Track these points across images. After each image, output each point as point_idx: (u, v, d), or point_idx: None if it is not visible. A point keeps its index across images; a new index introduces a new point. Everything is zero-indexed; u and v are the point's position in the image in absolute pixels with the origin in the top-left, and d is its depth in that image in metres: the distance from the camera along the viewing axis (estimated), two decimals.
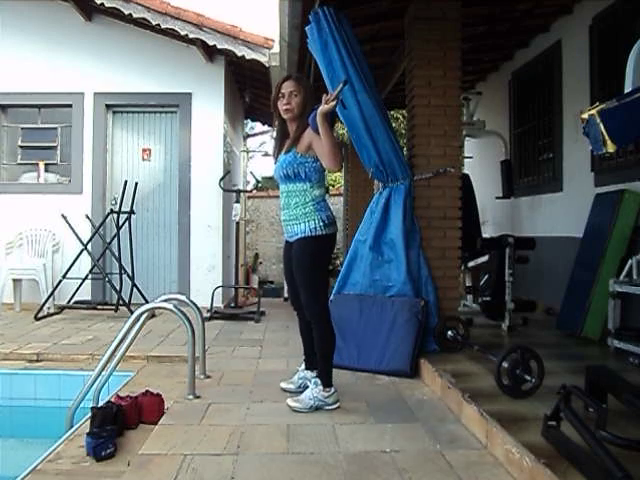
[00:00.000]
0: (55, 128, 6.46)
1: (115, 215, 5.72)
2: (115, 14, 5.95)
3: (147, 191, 6.41)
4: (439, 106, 3.88)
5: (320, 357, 2.90)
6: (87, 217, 6.09)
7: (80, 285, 5.58)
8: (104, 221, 5.85)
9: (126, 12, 5.72)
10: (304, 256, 2.87)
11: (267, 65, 5.89)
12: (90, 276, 5.73)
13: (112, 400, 2.62)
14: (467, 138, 6.63)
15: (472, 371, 3.18)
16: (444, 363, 3.30)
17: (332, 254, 3.04)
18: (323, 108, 2.66)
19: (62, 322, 5.22)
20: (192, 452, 2.29)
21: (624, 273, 3.76)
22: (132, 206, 5.71)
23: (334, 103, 2.65)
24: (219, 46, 5.78)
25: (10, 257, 5.97)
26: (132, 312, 3.13)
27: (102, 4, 5.72)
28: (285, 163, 2.88)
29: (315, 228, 2.82)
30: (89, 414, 2.45)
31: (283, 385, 3.16)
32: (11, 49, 6.26)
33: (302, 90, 2.89)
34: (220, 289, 6.13)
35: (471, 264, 5.12)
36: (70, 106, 6.33)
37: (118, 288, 5.51)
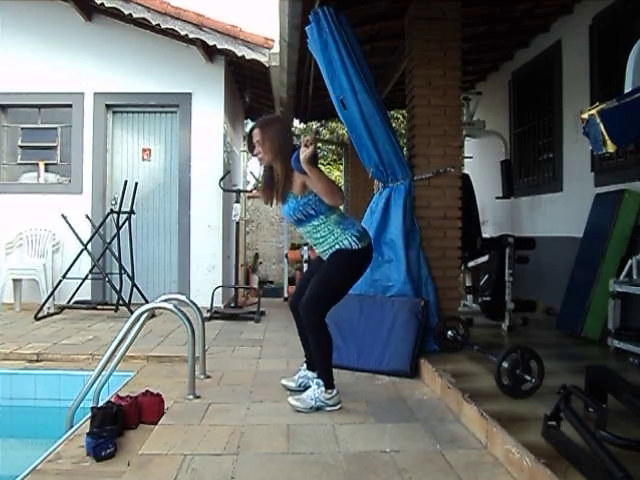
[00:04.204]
0: (55, 128, 6.46)
1: (115, 215, 5.72)
2: (115, 14, 5.95)
3: (147, 191, 6.40)
4: (439, 106, 3.88)
5: (317, 360, 2.91)
6: (87, 217, 6.08)
7: (80, 285, 5.58)
8: (104, 221, 5.85)
9: (126, 12, 5.72)
10: (335, 261, 2.82)
11: (267, 65, 5.89)
12: (90, 276, 5.73)
13: (112, 400, 2.61)
14: (467, 138, 6.63)
15: (472, 371, 3.18)
16: (444, 363, 3.30)
17: (365, 270, 2.94)
18: (305, 155, 2.59)
19: (62, 322, 5.22)
20: (192, 452, 2.29)
21: (624, 273, 3.76)
22: (132, 206, 5.71)
23: (311, 148, 2.58)
24: (219, 46, 5.78)
25: (10, 257, 5.97)
26: (132, 312, 3.13)
27: (102, 4, 5.72)
28: (291, 211, 2.84)
29: (350, 244, 2.78)
30: (89, 414, 2.44)
31: (284, 382, 3.17)
32: (11, 49, 6.26)
33: (268, 135, 2.82)
34: (220, 289, 6.13)
35: (471, 264, 5.12)
36: (70, 106, 6.33)
37: (118, 288, 5.51)
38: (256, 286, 8.67)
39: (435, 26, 3.86)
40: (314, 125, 13.76)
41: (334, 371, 2.91)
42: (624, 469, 1.62)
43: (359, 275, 2.94)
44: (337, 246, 2.80)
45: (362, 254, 2.83)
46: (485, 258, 4.88)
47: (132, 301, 5.46)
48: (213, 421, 2.65)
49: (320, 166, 2.76)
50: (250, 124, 11.28)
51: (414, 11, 3.89)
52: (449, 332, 3.62)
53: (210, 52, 6.15)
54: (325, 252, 2.87)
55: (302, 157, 2.61)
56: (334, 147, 14.50)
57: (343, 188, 9.66)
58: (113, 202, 6.21)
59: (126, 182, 5.74)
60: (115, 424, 2.37)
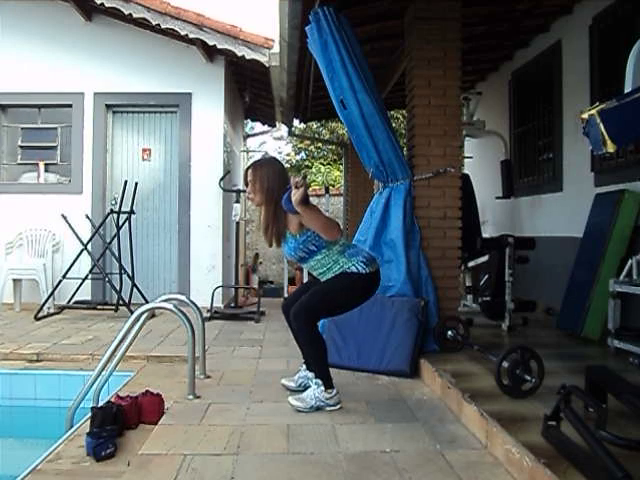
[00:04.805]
0: (55, 128, 6.46)
1: (115, 215, 5.71)
2: (115, 14, 5.95)
3: (147, 191, 6.40)
4: (439, 106, 3.88)
5: (313, 363, 2.91)
6: (87, 217, 6.08)
7: (80, 285, 5.58)
8: (104, 221, 5.85)
9: (126, 12, 5.72)
10: (341, 279, 2.80)
11: (267, 65, 5.89)
12: (90, 276, 5.73)
13: (112, 400, 2.62)
14: (467, 138, 6.63)
15: (472, 371, 3.18)
16: (444, 363, 3.30)
17: (369, 296, 2.90)
18: (296, 197, 2.50)
19: (62, 322, 5.22)
20: (192, 452, 2.29)
21: (624, 273, 3.76)
22: (132, 206, 5.71)
23: (302, 189, 2.51)
24: (219, 46, 5.78)
25: (10, 257, 5.98)
26: (132, 312, 3.13)
27: (102, 4, 5.72)
28: (292, 250, 2.83)
29: (358, 269, 2.76)
30: (89, 414, 2.44)
31: (284, 381, 3.17)
32: (11, 49, 6.27)
33: (260, 176, 2.84)
34: (220, 289, 6.13)
35: (471, 264, 5.11)
36: (70, 106, 6.33)
37: (118, 288, 5.50)
38: (256, 286, 8.67)
39: (435, 26, 3.86)
40: (314, 125, 13.76)
41: (334, 371, 2.92)
42: (624, 469, 1.62)
43: (362, 298, 2.91)
44: (344, 269, 2.79)
45: (369, 278, 2.81)
46: (485, 258, 4.88)
47: (132, 301, 5.46)
48: (213, 421, 2.65)
49: (312, 204, 2.68)
50: (250, 124, 11.31)
51: (414, 11, 3.89)
52: (449, 332, 3.62)
53: (210, 52, 6.15)
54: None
55: (294, 199, 2.53)
56: (334, 147, 14.50)
57: (343, 188, 9.66)
58: (113, 202, 6.21)
59: (126, 182, 5.74)
60: (115, 424, 2.37)
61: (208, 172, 6.34)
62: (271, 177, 2.84)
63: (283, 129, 9.68)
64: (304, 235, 2.77)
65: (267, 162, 3.02)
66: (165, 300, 3.26)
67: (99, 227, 5.73)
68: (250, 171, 2.91)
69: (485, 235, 5.56)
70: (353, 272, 2.77)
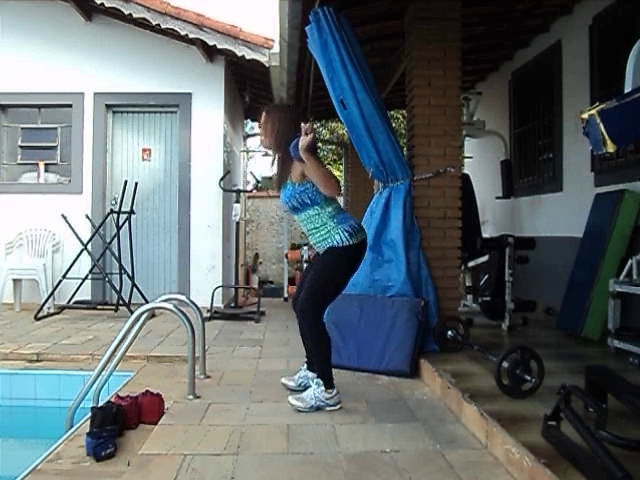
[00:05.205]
0: (55, 128, 6.46)
1: (115, 215, 5.71)
2: (115, 14, 5.95)
3: (147, 191, 6.41)
4: (439, 106, 3.88)
5: (316, 360, 2.91)
6: (87, 217, 6.08)
7: (80, 285, 5.58)
8: (104, 221, 5.85)
9: (126, 12, 5.72)
10: (326, 261, 2.85)
11: (267, 65, 5.89)
12: (90, 276, 5.73)
13: (112, 400, 2.62)
14: (467, 138, 6.63)
15: (472, 371, 3.18)
16: (444, 363, 3.30)
17: (359, 263, 2.93)
18: (303, 143, 2.60)
19: (62, 322, 5.22)
20: (192, 452, 2.29)
21: (624, 273, 3.76)
22: (132, 206, 5.71)
23: (311, 136, 2.60)
24: (219, 46, 5.78)
25: (10, 257, 5.97)
26: (132, 312, 3.13)
27: (102, 4, 5.72)
28: (287, 197, 2.87)
29: (341, 240, 2.79)
30: (89, 414, 2.44)
31: (284, 380, 3.18)
32: (11, 49, 6.26)
33: (271, 120, 2.89)
34: (220, 289, 6.13)
35: (471, 264, 5.12)
36: (70, 106, 6.33)
37: (118, 288, 5.50)
38: (256, 286, 8.67)
39: (435, 26, 3.86)
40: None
41: (334, 371, 2.91)
42: (624, 469, 1.62)
43: (352, 271, 2.93)
44: (329, 240, 2.81)
45: (354, 250, 2.83)
46: (485, 258, 4.88)
47: (132, 301, 5.46)
48: (213, 421, 2.65)
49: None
50: (250, 124, 11.30)
51: (414, 11, 3.89)
52: (449, 332, 3.62)
53: (210, 52, 6.15)
54: (317, 244, 2.89)
55: (300, 144, 2.62)
56: (334, 147, 14.49)
57: (343, 188, 9.66)
58: (113, 202, 6.21)
59: (126, 182, 5.74)
60: (115, 424, 2.37)
61: (208, 172, 6.34)
62: (283, 122, 2.87)
63: None
64: (303, 186, 2.80)
65: (282, 107, 3.10)
66: (165, 300, 3.26)
67: (99, 227, 5.73)
68: (264, 114, 2.94)
69: (485, 235, 5.56)
70: (337, 246, 2.78)
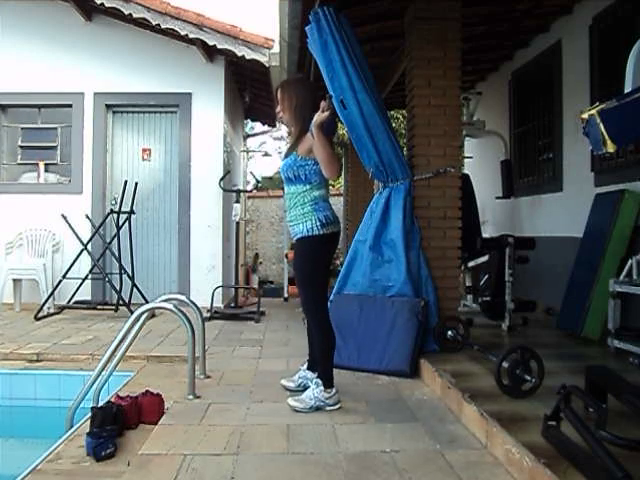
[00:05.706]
0: (55, 128, 6.47)
1: (115, 215, 5.72)
2: (115, 14, 5.95)
3: (147, 191, 6.41)
4: (439, 106, 3.88)
5: (320, 357, 2.91)
6: (87, 217, 6.08)
7: (80, 285, 5.58)
8: (104, 221, 5.85)
9: (126, 12, 5.73)
10: (300, 255, 2.92)
11: (267, 65, 5.89)
12: (90, 276, 5.73)
13: (112, 400, 2.62)
14: (467, 138, 6.63)
15: (472, 371, 3.18)
16: (444, 363, 3.30)
17: (331, 254, 3.00)
18: (316, 119, 2.67)
19: (62, 322, 5.22)
20: (192, 452, 2.29)
21: (624, 273, 3.76)
22: (132, 206, 5.70)
23: (327, 113, 2.65)
24: (219, 46, 5.79)
25: (10, 257, 5.98)
26: (132, 312, 3.13)
27: (102, 4, 5.73)
28: (286, 166, 2.91)
29: (312, 228, 2.82)
30: (89, 414, 2.44)
31: (283, 382, 3.18)
32: (11, 49, 6.27)
33: (287, 95, 2.91)
34: (220, 289, 6.13)
35: (471, 264, 5.12)
36: (70, 106, 6.34)
37: (118, 288, 5.50)
38: (256, 286, 8.67)
39: (435, 26, 3.86)
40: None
41: (334, 371, 2.91)
42: (624, 469, 1.62)
43: (326, 260, 2.96)
44: (300, 226, 2.84)
45: (323, 241, 2.85)
46: (485, 258, 4.88)
47: (132, 301, 5.46)
48: (213, 421, 2.65)
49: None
50: (250, 124, 11.31)
51: (414, 11, 3.89)
52: (449, 332, 3.62)
53: (210, 52, 6.15)
54: (291, 223, 2.92)
55: (314, 120, 2.67)
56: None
57: (343, 188, 9.66)
58: (113, 202, 6.21)
59: (126, 182, 5.74)
60: (115, 424, 2.37)
61: (208, 172, 6.34)
62: (301, 97, 2.90)
63: (283, 129, 9.69)
64: (304, 161, 2.84)
65: (295, 80, 3.15)
66: (165, 300, 3.26)
67: (99, 227, 5.73)
68: (279, 89, 2.97)
69: (485, 235, 5.56)
70: (306, 236, 2.82)
